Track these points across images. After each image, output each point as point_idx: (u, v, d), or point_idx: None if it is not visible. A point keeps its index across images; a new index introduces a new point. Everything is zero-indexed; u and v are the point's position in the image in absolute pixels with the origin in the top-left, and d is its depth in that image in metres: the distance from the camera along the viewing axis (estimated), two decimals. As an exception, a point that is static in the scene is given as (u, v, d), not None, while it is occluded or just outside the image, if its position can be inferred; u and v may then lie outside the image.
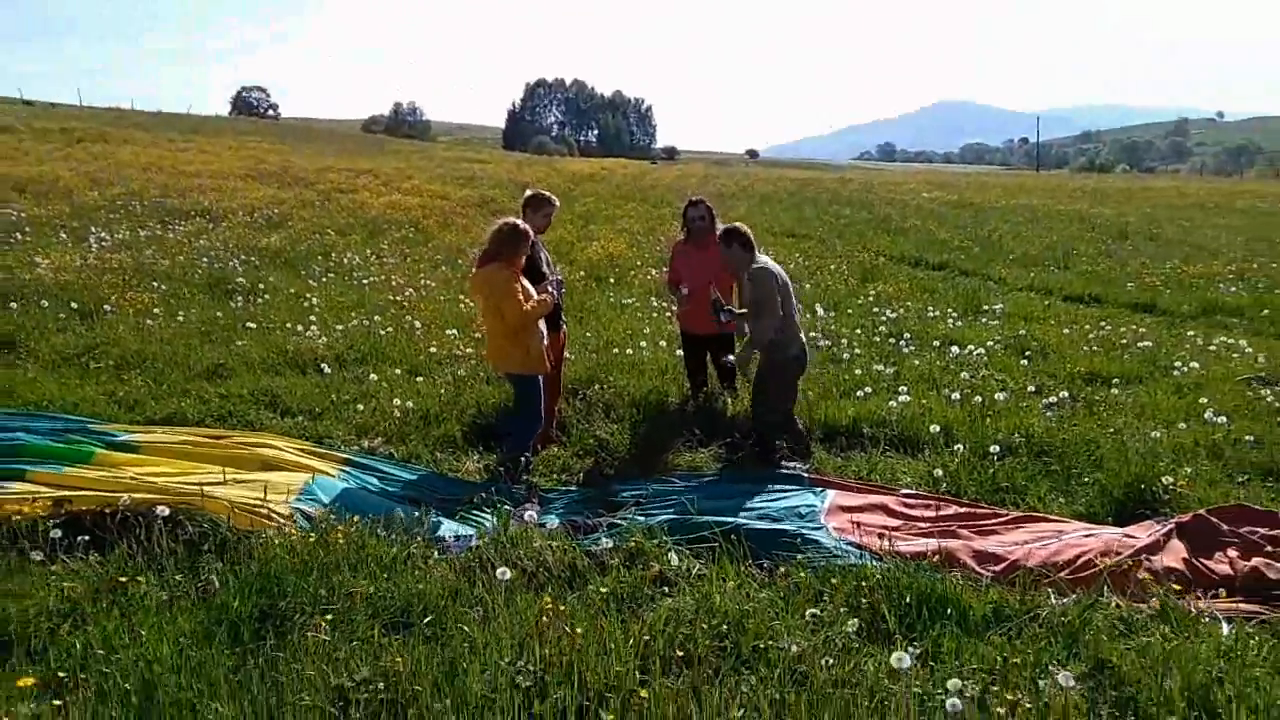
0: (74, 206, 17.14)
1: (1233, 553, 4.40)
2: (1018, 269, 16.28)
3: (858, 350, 8.91)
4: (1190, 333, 10.42)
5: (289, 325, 9.29)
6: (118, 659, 2.93)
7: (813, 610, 3.32)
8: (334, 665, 2.90)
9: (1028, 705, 2.70)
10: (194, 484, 4.64)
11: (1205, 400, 7.10)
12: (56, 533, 3.84)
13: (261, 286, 11.23)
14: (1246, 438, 6.31)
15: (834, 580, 3.68)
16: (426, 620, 3.29)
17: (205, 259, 12.66)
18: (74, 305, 9.37)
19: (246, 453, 5.41)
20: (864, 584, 3.59)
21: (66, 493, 4.29)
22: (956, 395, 6.94)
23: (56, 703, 2.62)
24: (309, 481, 4.98)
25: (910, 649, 3.11)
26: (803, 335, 6.15)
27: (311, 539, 3.83)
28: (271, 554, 3.68)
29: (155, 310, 9.44)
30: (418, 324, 9.49)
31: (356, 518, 4.11)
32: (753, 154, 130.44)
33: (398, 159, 37.70)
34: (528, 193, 6.66)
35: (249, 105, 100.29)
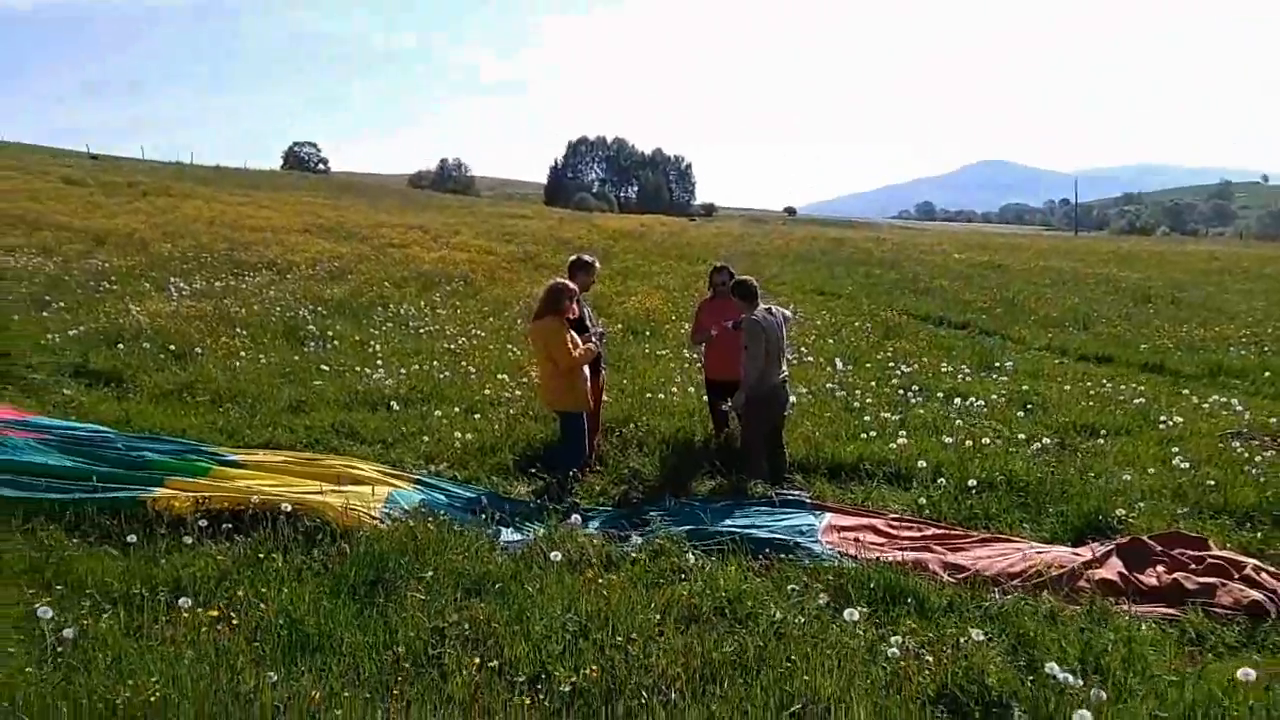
0: (150, 258, 18.64)
1: (1160, 569, 5.25)
2: (1037, 329, 17.00)
3: (869, 400, 9.79)
4: (1186, 391, 11.17)
5: (357, 369, 10.39)
6: (266, 606, 3.94)
7: (793, 587, 4.26)
8: (430, 612, 3.89)
9: (948, 653, 3.60)
10: (298, 494, 5.69)
11: (1177, 450, 7.90)
12: (203, 522, 4.90)
13: (330, 334, 12.40)
14: (1209, 481, 7.11)
15: (816, 572, 4.61)
16: (497, 587, 4.28)
17: (278, 308, 13.90)
18: (171, 347, 10.59)
19: (336, 471, 6.45)
20: (840, 577, 4.51)
21: (205, 494, 5.36)
22: (950, 439, 7.83)
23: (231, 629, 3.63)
24: (390, 494, 6.00)
25: (872, 621, 4.03)
26: (784, 376, 7.10)
27: (408, 527, 4.86)
28: (378, 539, 4.70)
29: (241, 353, 10.63)
30: (472, 369, 10.55)
31: (440, 514, 5.12)
32: (790, 211, 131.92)
33: (445, 214, 39.34)
34: (573, 258, 7.74)
35: (300, 160, 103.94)
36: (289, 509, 5.08)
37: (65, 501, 5.39)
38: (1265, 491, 6.85)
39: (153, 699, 3.01)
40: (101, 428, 7.51)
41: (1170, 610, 4.81)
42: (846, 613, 3.71)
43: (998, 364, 12.80)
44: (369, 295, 16.00)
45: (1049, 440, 8.15)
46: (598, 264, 7.90)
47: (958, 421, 8.64)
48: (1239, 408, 10.06)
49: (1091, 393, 10.92)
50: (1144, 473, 7.45)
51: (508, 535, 5.56)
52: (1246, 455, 7.90)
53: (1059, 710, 3.17)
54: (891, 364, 12.28)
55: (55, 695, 3.08)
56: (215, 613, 3.67)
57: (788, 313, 7.80)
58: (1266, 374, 12.59)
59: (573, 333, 6.85)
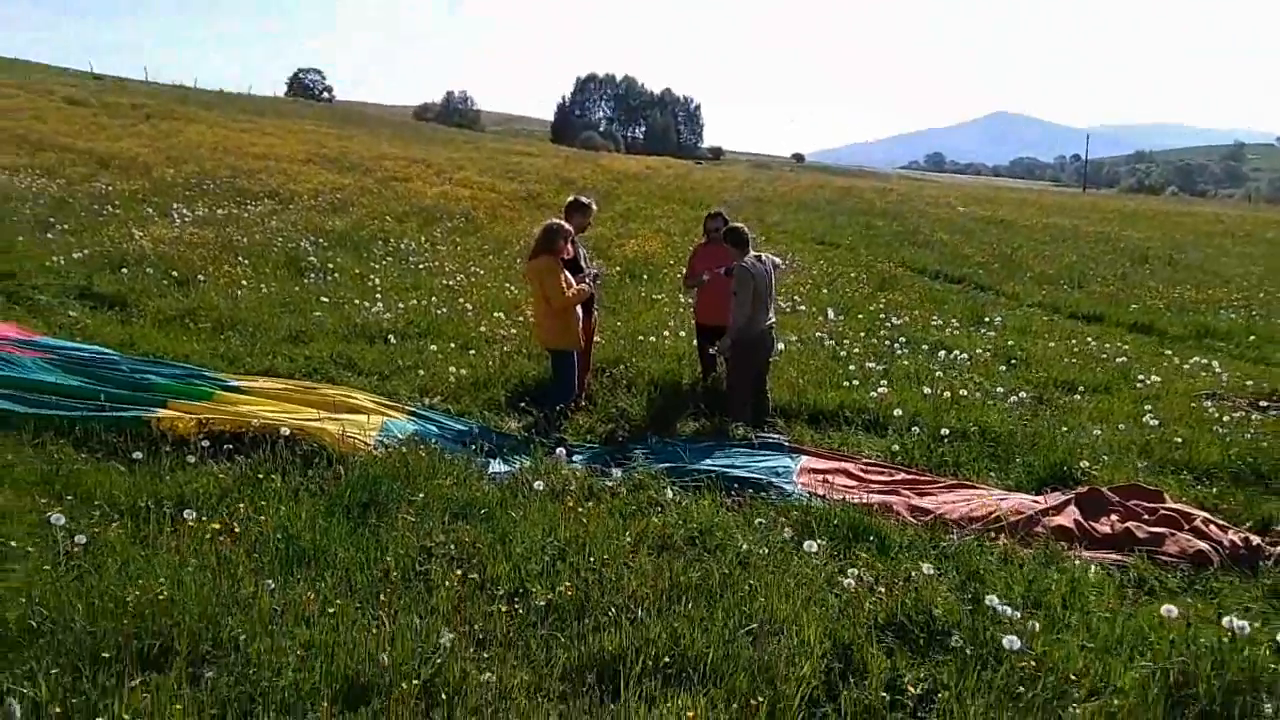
0: (154, 182, 18.70)
1: (1114, 518, 5.52)
2: (1032, 286, 17.14)
3: (856, 350, 10.01)
4: (1169, 352, 11.38)
5: (356, 301, 10.58)
6: (265, 521, 4.21)
7: (760, 520, 4.53)
8: (419, 533, 4.16)
9: (900, 585, 3.87)
10: (297, 419, 5.94)
11: (1150, 408, 8.14)
12: (205, 443, 5.15)
13: (331, 266, 12.56)
14: (1176, 439, 7.36)
15: (785, 509, 4.88)
16: (482, 513, 4.55)
17: (280, 238, 14.03)
18: (174, 274, 10.78)
19: (334, 399, 6.69)
20: (807, 514, 4.78)
21: (207, 415, 5.60)
22: (929, 390, 8.07)
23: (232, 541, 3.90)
24: (385, 423, 6.25)
25: (832, 555, 4.30)
26: (771, 322, 7.31)
27: (400, 454, 5.12)
28: (371, 464, 4.96)
29: (243, 282, 10.81)
30: (469, 306, 10.74)
31: (432, 443, 5.38)
32: (798, 158, 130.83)
33: (449, 149, 39.10)
34: (570, 199, 7.90)
35: (305, 88, 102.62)
36: (288, 433, 5.34)
37: (73, 418, 5.64)
38: (1229, 449, 7.10)
39: (160, 598, 3.28)
40: (106, 350, 7.74)
41: (1120, 557, 5.08)
42: (806, 544, 4.00)
43: (987, 319, 12.99)
44: (370, 228, 16.11)
45: (1026, 394, 8.37)
46: (595, 206, 8.06)
47: (938, 373, 8.87)
48: (1218, 369, 10.27)
49: (1075, 350, 11.13)
50: (1115, 429, 7.70)
51: (496, 466, 5.81)
52: (1217, 415, 8.13)
53: (994, 639, 3.44)
54: (883, 315, 12.46)
55: (69, 594, 3.35)
56: (217, 525, 3.94)
57: (778, 260, 7.98)
58: (1251, 337, 12.78)
59: (567, 273, 7.04)
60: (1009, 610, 3.64)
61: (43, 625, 3.18)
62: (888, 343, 10.50)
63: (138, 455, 5.02)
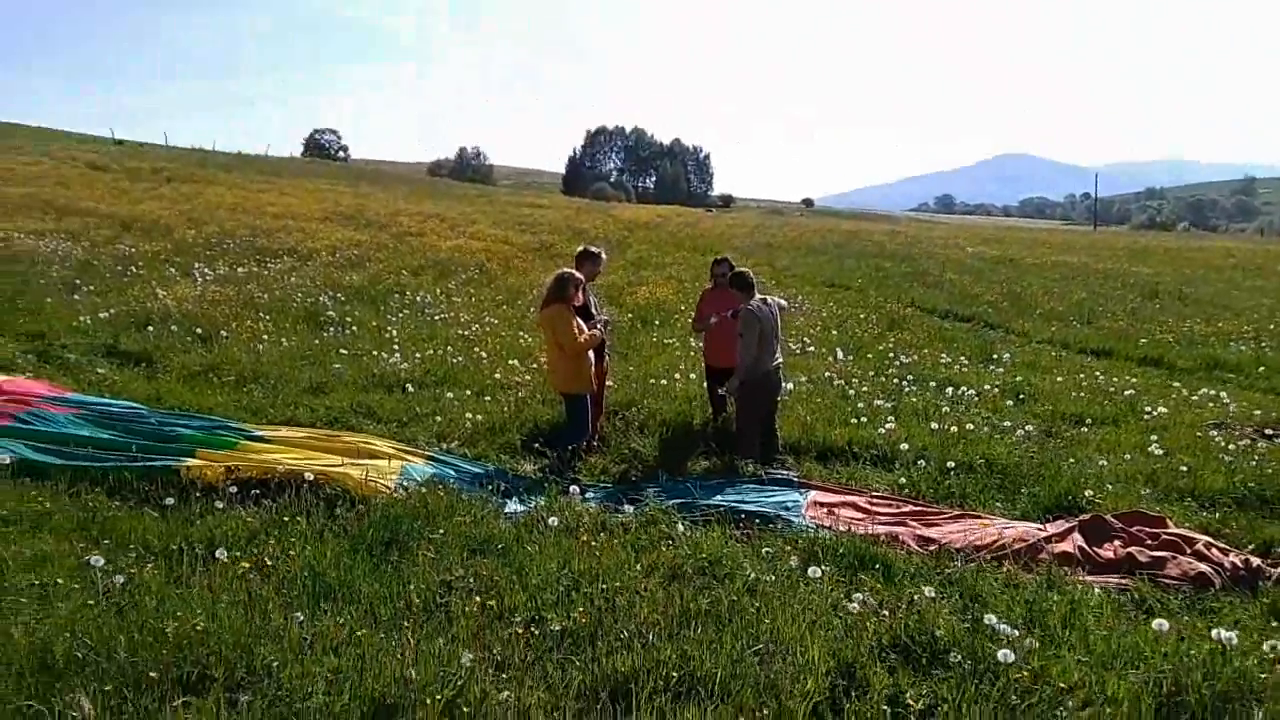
0: (175, 243, 19.19)
1: (1117, 543, 5.64)
2: (1041, 323, 17.29)
3: (865, 388, 10.17)
4: (1177, 384, 11.48)
5: (374, 352, 10.85)
6: (292, 560, 4.40)
7: (768, 550, 4.69)
8: (439, 568, 4.34)
9: (903, 608, 4.01)
10: (320, 465, 6.15)
11: (1156, 438, 8.25)
12: (233, 489, 5.37)
13: (349, 319, 12.87)
14: (1181, 467, 7.47)
15: (793, 540, 5.03)
16: (499, 548, 4.73)
17: (299, 294, 14.39)
18: (197, 330, 11.10)
19: (354, 446, 6.90)
20: (814, 544, 4.93)
21: (234, 463, 5.83)
22: (937, 425, 8.22)
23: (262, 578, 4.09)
24: (404, 467, 6.46)
25: (838, 581, 4.45)
26: (777, 363, 7.50)
27: (420, 495, 5.32)
28: (392, 505, 5.16)
29: (264, 336, 11.11)
30: (484, 354, 10.99)
31: (450, 484, 5.58)
32: (808, 203, 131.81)
33: (462, 203, 39.79)
34: (580, 249, 8.17)
35: (321, 147, 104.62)
36: (311, 478, 5.56)
37: (106, 468, 5.88)
38: (1234, 476, 7.21)
39: (196, 630, 3.46)
40: (134, 404, 8.00)
41: (1122, 580, 5.19)
42: (811, 570, 4.15)
43: (996, 356, 13.14)
44: (387, 282, 16.47)
45: (1031, 428, 8.50)
46: (605, 255, 8.35)
47: (945, 409, 9.01)
48: (1226, 400, 10.35)
49: (1083, 384, 11.25)
50: (1120, 459, 7.82)
51: (512, 506, 5.99)
52: (1223, 444, 8.23)
53: (992, 655, 3.57)
54: (891, 354, 12.63)
55: (110, 627, 3.53)
56: (247, 564, 4.13)
57: (783, 302, 8.20)
58: (1261, 369, 12.87)
59: (579, 320, 7.28)
60: (1007, 629, 3.78)
61: (87, 656, 3.37)
62: (896, 380, 10.66)
63: (169, 501, 5.24)
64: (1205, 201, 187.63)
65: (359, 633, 3.64)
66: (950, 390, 10.00)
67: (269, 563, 4.21)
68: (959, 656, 3.61)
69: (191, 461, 6.08)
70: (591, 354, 7.37)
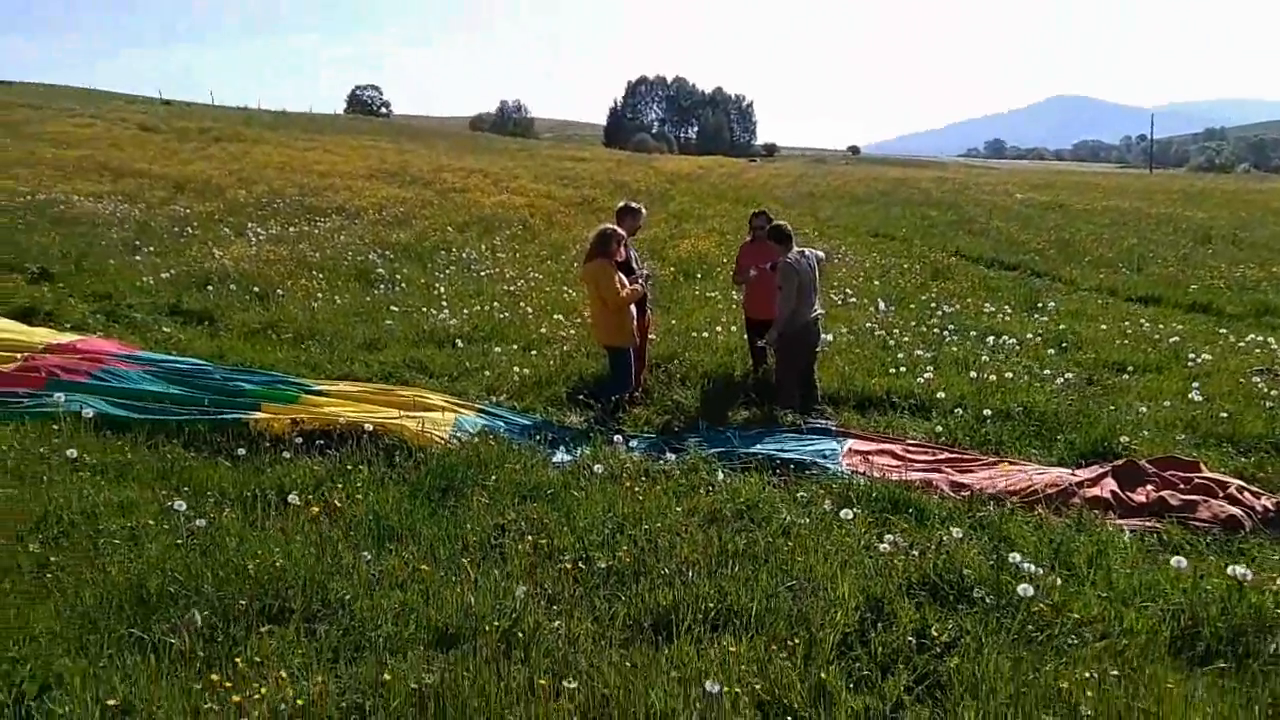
0: (227, 203, 19.63)
1: (1149, 488, 5.76)
2: (1090, 270, 17.08)
3: (905, 338, 10.27)
4: (1224, 330, 11.39)
5: (424, 309, 11.16)
6: (357, 505, 4.73)
7: (802, 494, 4.91)
8: (492, 513, 4.63)
9: (932, 548, 4.22)
10: (378, 417, 6.47)
11: (1196, 384, 8.27)
12: (298, 440, 5.71)
13: (398, 276, 13.20)
14: (1221, 414, 7.51)
15: (829, 485, 5.24)
16: (549, 494, 5.01)
17: (349, 252, 14.74)
18: (254, 289, 11.49)
19: (409, 400, 7.21)
20: (850, 489, 5.14)
21: (298, 416, 6.17)
22: (975, 374, 8.33)
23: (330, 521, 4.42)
24: (457, 419, 6.76)
25: (871, 524, 4.66)
26: (816, 314, 7.65)
27: (473, 445, 5.63)
28: (447, 454, 5.47)
29: (318, 295, 11.48)
30: (529, 310, 11.26)
31: (500, 435, 5.87)
32: (854, 150, 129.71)
33: (504, 158, 39.94)
34: (621, 204, 8.35)
35: (363, 104, 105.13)
36: (371, 429, 5.89)
37: (180, 421, 6.26)
38: (1274, 423, 7.25)
39: (275, 566, 3.79)
40: (200, 361, 8.39)
41: (1153, 523, 5.33)
42: (843, 512, 4.36)
43: (1040, 304, 13.09)
44: (433, 239, 16.77)
45: (1071, 375, 8.56)
46: (644, 210, 8.51)
47: (984, 357, 9.09)
48: (1274, 346, 10.28)
49: (1128, 332, 11.20)
50: (1160, 405, 7.87)
51: (559, 455, 6.27)
52: (1266, 390, 8.23)
53: (1015, 591, 3.76)
54: (934, 304, 12.65)
55: (197, 565, 3.87)
56: (316, 509, 4.45)
57: (821, 254, 8.31)
58: (1313, 312, 12.71)
59: (620, 274, 7.48)
60: (1031, 567, 3.97)
61: (178, 590, 3.71)
62: (937, 330, 10.73)
63: (240, 451, 5.60)
64: (1268, 141, 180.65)
65: (421, 568, 3.94)
66: (991, 339, 10.05)
67: (337, 505, 4.53)
68: (983, 592, 3.81)
69: (258, 415, 6.44)
70: (633, 308, 7.58)
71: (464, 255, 15.51)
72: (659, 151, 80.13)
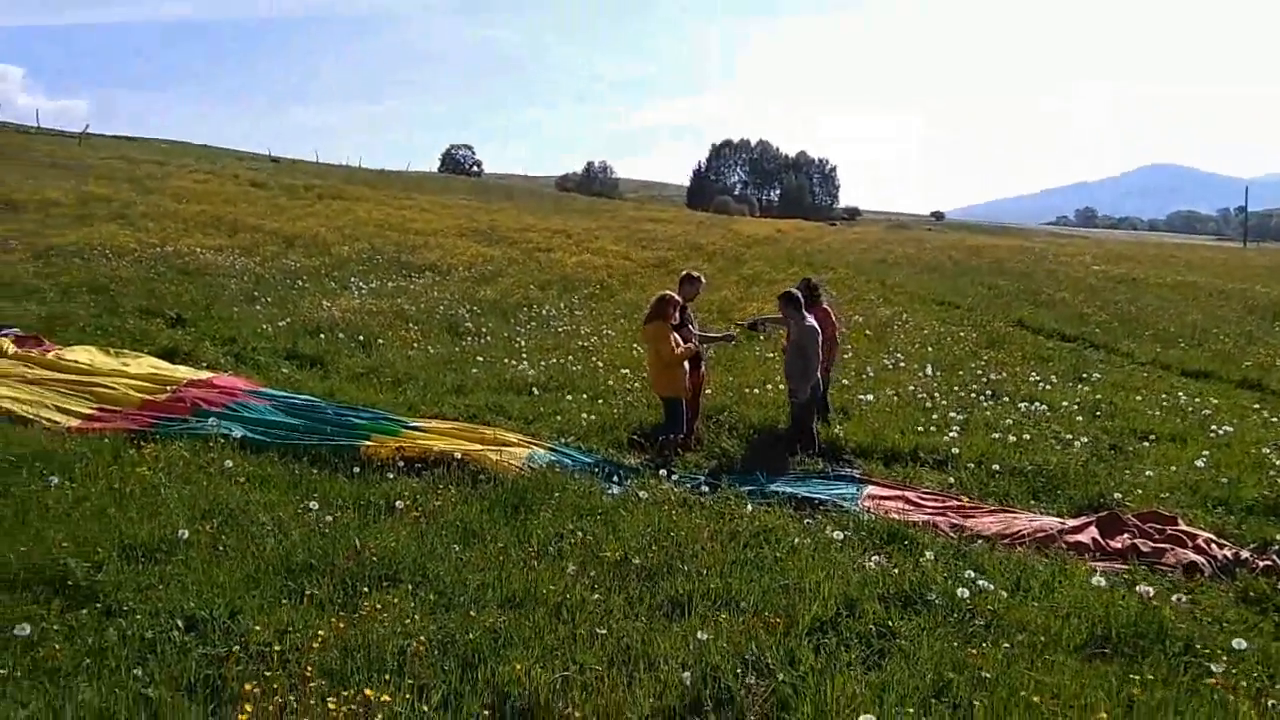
0: (332, 259, 21.46)
1: (1126, 535, 6.57)
2: (1148, 344, 17.51)
3: (944, 401, 11.12)
4: (1256, 405, 11.92)
5: (506, 360, 12.47)
6: (448, 512, 5.91)
7: (809, 521, 5.92)
8: (554, 524, 5.76)
9: (910, 567, 5.18)
10: (465, 448, 7.69)
11: (1206, 453, 8.95)
12: (401, 463, 6.95)
13: (484, 330, 14.59)
14: (1222, 479, 8.21)
15: (838, 519, 6.23)
16: (600, 514, 6.12)
17: (441, 306, 16.24)
18: (359, 338, 12.98)
19: (490, 436, 8.43)
20: (853, 521, 6.12)
21: (400, 444, 7.43)
22: (997, 435, 9.17)
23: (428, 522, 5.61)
24: (530, 453, 7.94)
25: (865, 548, 5.64)
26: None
27: (542, 473, 6.80)
28: (520, 479, 6.65)
29: (414, 344, 12.91)
30: (600, 364, 12.45)
31: (565, 466, 7.04)
32: (938, 216, 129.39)
33: (588, 218, 41.70)
34: (683, 272, 9.54)
35: (456, 163, 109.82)
36: (459, 457, 7.13)
37: (306, 446, 7.57)
38: (1270, 488, 7.93)
39: (388, 548, 4.97)
40: (315, 398, 9.77)
41: (1116, 564, 6.15)
42: (833, 532, 5.36)
43: (1086, 375, 13.73)
44: (516, 296, 18.20)
45: (1086, 439, 9.32)
46: (704, 279, 9.68)
47: (1008, 421, 9.90)
48: (1307, 422, 10.81)
49: (1163, 403, 11.82)
50: (1168, 470, 8.59)
51: (614, 489, 7.37)
52: (1274, 460, 8.87)
53: (969, 600, 4.70)
54: (980, 372, 13.40)
55: (328, 547, 5.08)
56: (416, 513, 5.64)
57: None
58: (1358, 394, 13.05)
59: (676, 334, 8.62)
60: (985, 583, 4.89)
61: (315, 563, 4.91)
62: (974, 395, 11.53)
63: (356, 470, 6.88)
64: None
65: (497, 560, 5.08)
66: (1024, 405, 10.83)
67: (436, 504, 5.72)
68: (937, 598, 4.75)
69: (367, 443, 7.73)
70: (687, 364, 8.70)
71: (544, 312, 16.86)
72: (739, 213, 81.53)
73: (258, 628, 4.06)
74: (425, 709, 3.46)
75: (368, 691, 3.44)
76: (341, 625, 4.07)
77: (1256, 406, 11.88)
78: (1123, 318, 20.90)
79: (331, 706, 3.29)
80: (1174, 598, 4.71)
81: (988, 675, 3.82)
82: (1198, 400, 12.08)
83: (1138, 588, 4.66)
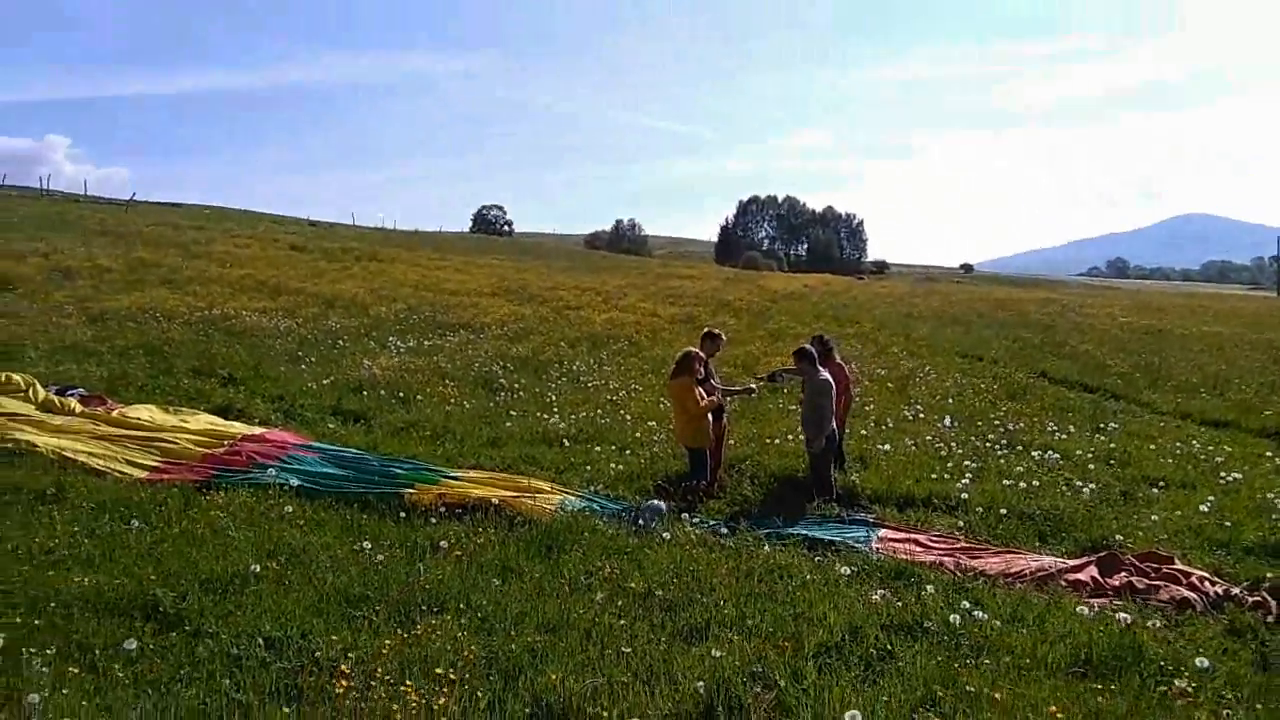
0: (370, 319, 22.30)
1: (1123, 574, 6.97)
2: (1170, 394, 17.81)
3: (959, 450, 11.54)
4: (1269, 454, 12.22)
5: (538, 414, 13.06)
6: (487, 551, 6.47)
7: (819, 558, 6.40)
8: (584, 562, 6.30)
9: (913, 599, 5.64)
10: (501, 495, 8.26)
11: (1211, 498, 9.31)
12: (442, 509, 7.53)
13: (516, 386, 15.23)
14: (1225, 523, 8.57)
15: (849, 558, 6.71)
16: (626, 553, 6.64)
17: (475, 363, 16.93)
18: (399, 394, 13.66)
19: (525, 484, 8.99)
20: (862, 560, 6.59)
21: (441, 492, 8.02)
22: (1008, 481, 9.59)
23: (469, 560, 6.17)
24: (562, 499, 8.49)
25: (871, 584, 6.10)
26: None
27: (572, 516, 7.35)
28: (552, 523, 7.21)
29: (450, 400, 13.56)
30: (628, 417, 13.01)
31: (595, 511, 7.59)
32: (967, 268, 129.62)
33: (617, 275, 42.63)
34: (705, 330, 10.15)
35: (488, 223, 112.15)
36: (496, 503, 7.68)
37: (354, 494, 8.18)
38: (1270, 532, 8.28)
39: (436, 580, 5.53)
40: (360, 451, 10.40)
41: (1117, 601, 6.55)
42: (842, 568, 5.84)
43: (1104, 425, 14.06)
44: (547, 354, 18.86)
45: (1095, 486, 9.70)
46: (725, 337, 10.30)
47: (1019, 468, 10.31)
48: (1317, 469, 11.11)
49: (1177, 452, 12.15)
50: (1173, 514, 8.96)
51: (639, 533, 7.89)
52: (1278, 506, 9.20)
53: (959, 627, 5.15)
54: (998, 423, 13.77)
55: (382, 580, 5.65)
56: (459, 552, 6.21)
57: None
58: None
59: (700, 389, 9.19)
60: (979, 614, 5.34)
61: (371, 594, 5.48)
62: (990, 444, 11.93)
63: (402, 515, 7.47)
64: None
65: (533, 595, 5.62)
66: (1038, 454, 11.23)
67: (477, 544, 6.28)
68: (934, 625, 5.21)
69: (410, 491, 8.32)
70: (710, 416, 9.25)
71: (574, 368, 17.49)
72: (768, 269, 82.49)
73: (326, 646, 4.61)
74: (475, 712, 3.98)
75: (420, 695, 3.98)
76: (399, 644, 4.61)
77: (1269, 454, 12.17)
78: (1145, 368, 21.15)
79: (395, 709, 3.83)
80: (1150, 623, 5.12)
81: (972, 689, 4.27)
82: (1211, 449, 12.39)
83: (1118, 615, 5.07)
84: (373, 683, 4.11)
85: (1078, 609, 5.27)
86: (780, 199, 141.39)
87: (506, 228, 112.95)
